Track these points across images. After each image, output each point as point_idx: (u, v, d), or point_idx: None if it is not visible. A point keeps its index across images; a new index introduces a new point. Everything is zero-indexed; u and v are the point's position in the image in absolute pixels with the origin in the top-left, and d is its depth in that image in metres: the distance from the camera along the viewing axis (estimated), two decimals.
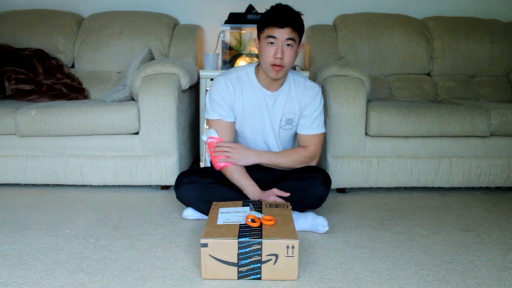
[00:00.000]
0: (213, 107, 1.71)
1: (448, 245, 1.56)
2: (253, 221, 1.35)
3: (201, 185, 1.68)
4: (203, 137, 1.76)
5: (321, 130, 1.78)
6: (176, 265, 1.37)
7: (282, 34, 1.57)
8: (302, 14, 1.65)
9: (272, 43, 1.59)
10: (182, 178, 1.72)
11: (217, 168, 1.71)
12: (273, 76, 1.64)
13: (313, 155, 1.77)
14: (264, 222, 1.35)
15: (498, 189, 2.29)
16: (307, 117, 1.75)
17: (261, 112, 1.73)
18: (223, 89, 1.69)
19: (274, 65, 1.60)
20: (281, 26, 1.56)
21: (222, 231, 1.28)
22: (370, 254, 1.48)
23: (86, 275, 1.30)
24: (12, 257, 1.42)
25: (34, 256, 1.43)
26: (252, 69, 1.73)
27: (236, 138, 1.82)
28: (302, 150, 1.75)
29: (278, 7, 1.61)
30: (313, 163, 1.77)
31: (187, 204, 1.74)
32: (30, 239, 1.57)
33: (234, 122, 1.74)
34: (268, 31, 1.59)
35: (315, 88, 1.76)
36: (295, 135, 1.85)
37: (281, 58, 1.58)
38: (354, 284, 1.27)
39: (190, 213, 1.76)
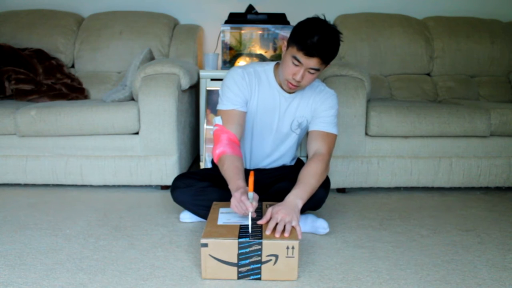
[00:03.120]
0: (227, 96, 1.59)
1: (448, 245, 1.56)
2: None
3: (196, 189, 1.65)
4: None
5: (334, 130, 1.64)
6: (176, 265, 1.37)
7: (309, 62, 1.45)
8: (340, 38, 1.48)
9: (295, 64, 1.47)
10: (177, 182, 1.69)
11: (215, 160, 1.56)
12: (286, 90, 1.59)
13: (328, 156, 1.58)
14: None
15: (498, 189, 2.29)
16: (319, 114, 1.64)
17: (273, 113, 1.66)
18: (240, 79, 1.60)
19: (290, 82, 1.52)
20: (310, 55, 1.43)
21: (222, 231, 1.28)
22: (370, 254, 1.48)
23: (86, 275, 1.30)
24: (12, 257, 1.42)
25: (34, 256, 1.43)
26: (271, 68, 1.64)
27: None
28: (317, 160, 1.54)
29: (314, 29, 1.43)
30: (329, 166, 1.60)
31: (184, 208, 1.73)
32: (30, 239, 1.57)
33: (245, 113, 1.63)
34: (296, 53, 1.45)
35: (328, 92, 1.66)
36: (296, 143, 1.78)
37: (299, 81, 1.50)
38: (354, 284, 1.27)
39: (187, 216, 1.75)
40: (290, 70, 1.49)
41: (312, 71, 1.48)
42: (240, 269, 1.26)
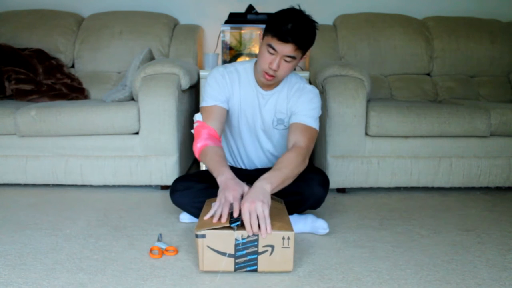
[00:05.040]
0: (210, 93, 1.62)
1: (448, 245, 1.56)
2: (155, 252, 1.43)
3: (195, 192, 1.65)
4: (192, 131, 1.64)
5: (314, 124, 1.60)
6: (176, 265, 1.37)
7: (284, 49, 1.45)
8: (316, 26, 1.49)
9: (271, 52, 1.48)
10: (176, 185, 1.70)
11: (196, 154, 1.56)
12: (263, 82, 1.59)
13: (307, 151, 1.52)
14: (165, 253, 1.43)
15: (498, 189, 2.29)
16: (298, 109, 1.61)
17: (253, 110, 1.68)
18: (220, 77, 1.63)
19: (266, 72, 1.52)
20: (285, 41, 1.43)
21: (212, 221, 1.27)
22: (370, 254, 1.48)
23: (86, 275, 1.30)
24: (12, 257, 1.42)
25: (34, 256, 1.43)
26: (251, 65, 1.66)
27: (232, 139, 1.78)
28: (294, 151, 1.49)
29: (288, 17, 1.44)
30: (307, 161, 1.53)
31: (184, 210, 1.73)
32: (30, 239, 1.57)
33: (227, 112, 1.65)
34: (271, 40, 1.46)
35: (306, 88, 1.65)
36: (284, 139, 1.74)
37: (275, 70, 1.49)
38: (354, 284, 1.27)
39: (187, 216, 1.75)
40: (266, 59, 1.50)
41: (288, 59, 1.48)
42: (237, 260, 1.27)
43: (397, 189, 2.27)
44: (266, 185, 1.32)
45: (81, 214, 1.84)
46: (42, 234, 1.61)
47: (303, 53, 1.51)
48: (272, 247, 1.26)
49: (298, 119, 1.60)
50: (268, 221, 1.24)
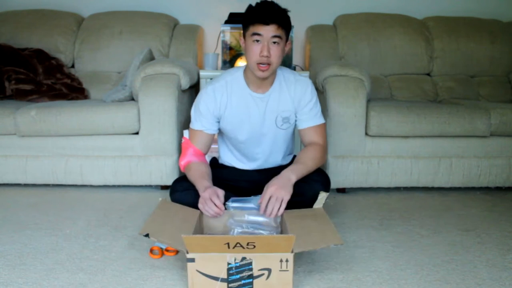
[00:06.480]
0: (198, 117, 1.65)
1: (448, 245, 1.56)
2: (155, 252, 1.43)
3: (194, 192, 1.61)
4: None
5: (321, 120, 1.69)
6: (176, 265, 1.37)
7: (268, 31, 1.50)
8: (288, 11, 1.57)
9: (257, 40, 1.51)
10: (176, 185, 1.69)
11: (182, 169, 1.66)
12: (261, 76, 1.56)
13: (324, 148, 1.67)
14: (166, 253, 1.43)
15: (498, 189, 2.29)
16: (302, 109, 1.66)
17: (253, 117, 1.66)
18: (210, 100, 1.63)
19: (260, 63, 1.52)
20: (267, 23, 1.49)
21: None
22: (370, 254, 1.48)
23: (86, 275, 1.30)
24: (12, 257, 1.42)
25: (34, 256, 1.43)
26: (240, 73, 1.65)
27: (233, 147, 1.76)
28: (314, 146, 1.63)
29: (263, 4, 1.56)
30: (325, 158, 1.70)
31: None
32: (30, 239, 1.57)
33: (214, 135, 1.71)
34: (253, 29, 1.52)
35: (305, 81, 1.68)
36: (292, 136, 1.78)
37: (267, 56, 1.50)
38: (354, 284, 1.27)
39: None
40: (255, 50, 1.52)
41: (275, 39, 1.51)
42: (230, 285, 1.16)
43: (397, 189, 2.27)
44: (291, 176, 1.47)
45: (81, 214, 1.84)
46: (42, 234, 1.62)
47: (286, 35, 1.55)
48: (269, 270, 1.15)
49: (309, 123, 1.68)
50: (283, 209, 1.36)
